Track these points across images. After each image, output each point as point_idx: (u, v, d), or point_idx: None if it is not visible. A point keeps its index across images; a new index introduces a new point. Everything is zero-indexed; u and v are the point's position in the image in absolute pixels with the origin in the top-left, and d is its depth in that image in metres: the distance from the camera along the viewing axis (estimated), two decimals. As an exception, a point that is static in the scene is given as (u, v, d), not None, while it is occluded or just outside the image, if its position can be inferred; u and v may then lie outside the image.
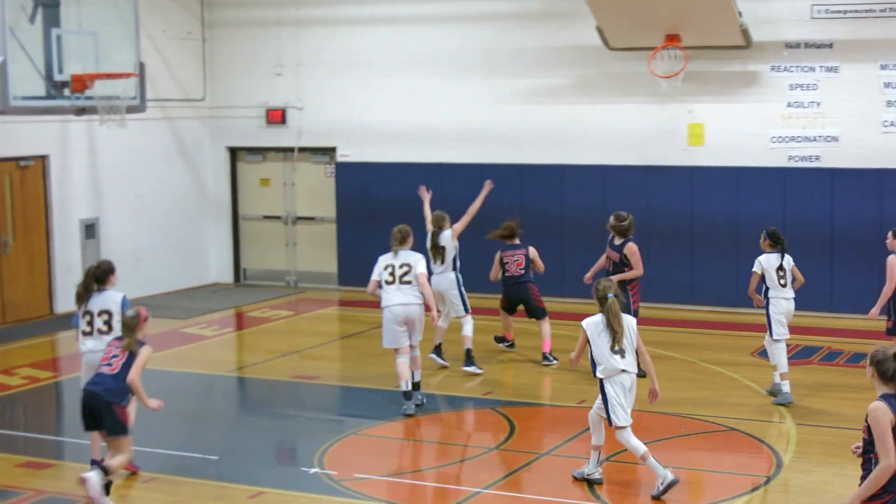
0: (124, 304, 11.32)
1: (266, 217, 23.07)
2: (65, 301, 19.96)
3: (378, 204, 21.03)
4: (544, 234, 19.85)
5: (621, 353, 10.55)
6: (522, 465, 11.76)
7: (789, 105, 19.47)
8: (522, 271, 15.81)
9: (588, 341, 10.66)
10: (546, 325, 15.86)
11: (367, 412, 14.06)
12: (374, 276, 13.66)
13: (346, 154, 22.09)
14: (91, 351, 11.29)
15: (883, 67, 18.97)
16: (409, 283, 13.53)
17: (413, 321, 13.60)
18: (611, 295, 10.54)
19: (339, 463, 11.84)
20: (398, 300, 13.51)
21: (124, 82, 16.94)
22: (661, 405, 13.60)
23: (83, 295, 11.37)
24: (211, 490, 11.03)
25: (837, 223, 18.92)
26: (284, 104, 22.51)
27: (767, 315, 13.82)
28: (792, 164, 19.36)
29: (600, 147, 20.46)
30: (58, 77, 16.36)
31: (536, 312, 15.91)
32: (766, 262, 13.97)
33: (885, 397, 7.47)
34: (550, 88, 20.78)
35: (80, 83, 16.46)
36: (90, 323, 11.34)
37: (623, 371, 10.53)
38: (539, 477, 11.50)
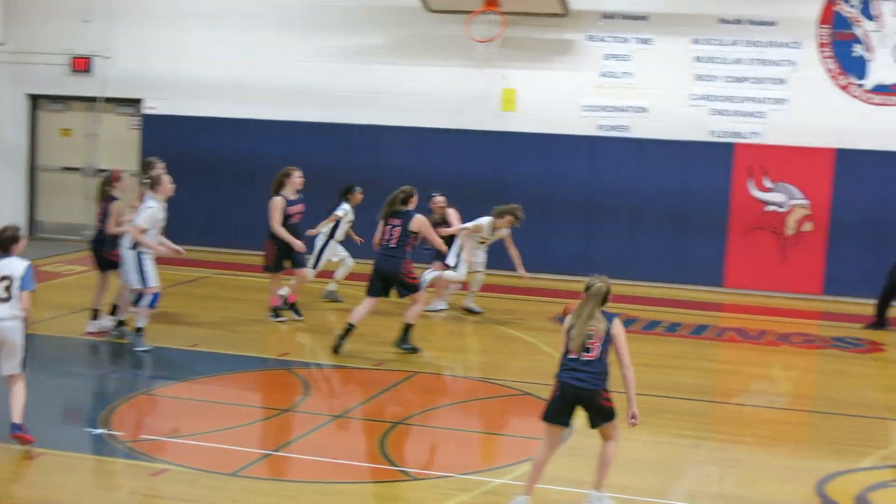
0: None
1: (66, 168, 22.26)
2: None
3: (187, 159, 20.42)
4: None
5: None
6: (315, 428, 11.53)
7: (602, 75, 19.62)
8: None
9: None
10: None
11: (158, 371, 13.66)
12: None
13: (153, 106, 21.43)
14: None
15: (695, 42, 19.28)
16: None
17: None
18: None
19: (127, 423, 11.44)
20: None
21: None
22: (461, 369, 13.63)
23: None
24: (-15, 449, 10.51)
25: (644, 192, 19.15)
26: (91, 52, 21.69)
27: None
28: (601, 132, 19.53)
29: (415, 109, 20.31)
30: None
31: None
32: None
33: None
34: (367, 48, 20.51)
35: None
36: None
37: None
38: (331, 439, 11.30)
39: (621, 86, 19.54)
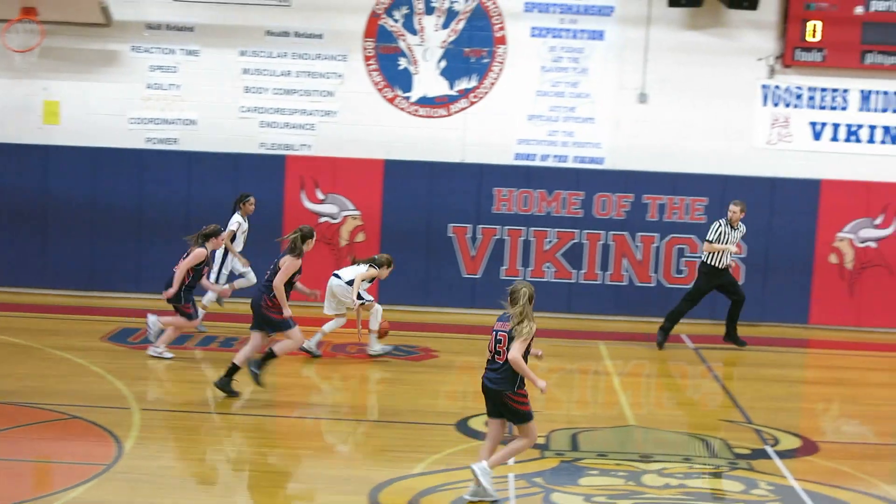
0: None
1: None
2: None
3: None
4: None
5: None
6: None
7: (149, 87, 19.22)
8: None
9: None
10: None
11: None
12: None
13: None
14: None
15: (242, 53, 19.21)
16: None
17: None
18: None
19: None
20: None
21: None
22: (2, 395, 12.80)
23: None
24: None
25: (194, 206, 18.81)
26: None
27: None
28: (150, 146, 19.10)
29: (-57, 123, 19.13)
30: None
31: None
32: None
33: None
34: None
35: None
36: None
37: None
38: None
39: (169, 98, 19.21)
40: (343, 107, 19.25)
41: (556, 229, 19.06)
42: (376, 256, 15.50)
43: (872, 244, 18.97)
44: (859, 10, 18.87)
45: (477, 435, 12.14)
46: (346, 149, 19.11)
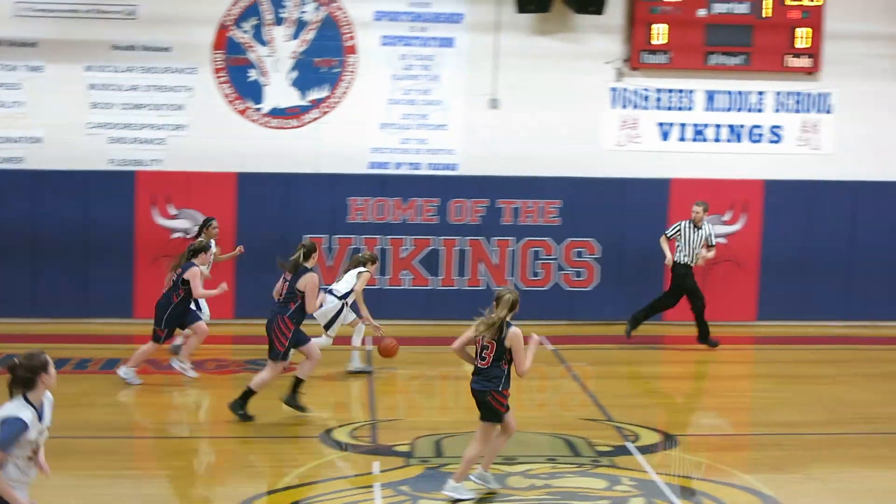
0: None
1: None
2: None
3: None
4: None
5: None
6: None
7: (-7, 105, 18.77)
8: None
9: None
10: None
11: None
12: None
13: None
14: None
15: (88, 69, 18.86)
16: None
17: None
18: None
19: None
20: None
21: None
22: None
23: None
24: None
25: (43, 226, 18.38)
26: None
27: None
28: (-3, 165, 18.69)
29: None
30: None
31: None
32: None
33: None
34: None
35: None
36: None
37: None
38: None
39: (13, 115, 18.72)
40: (194, 120, 19.00)
41: (412, 237, 19.08)
42: (359, 256, 15.41)
43: (722, 240, 19.36)
44: (702, 12, 19.29)
45: (341, 446, 12.08)
46: (197, 163, 18.85)
